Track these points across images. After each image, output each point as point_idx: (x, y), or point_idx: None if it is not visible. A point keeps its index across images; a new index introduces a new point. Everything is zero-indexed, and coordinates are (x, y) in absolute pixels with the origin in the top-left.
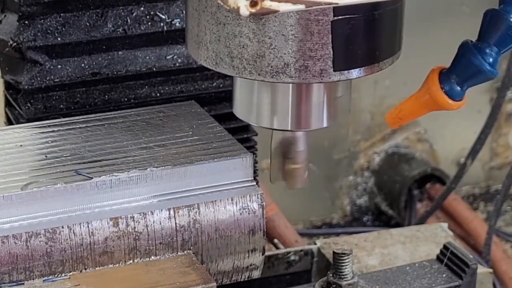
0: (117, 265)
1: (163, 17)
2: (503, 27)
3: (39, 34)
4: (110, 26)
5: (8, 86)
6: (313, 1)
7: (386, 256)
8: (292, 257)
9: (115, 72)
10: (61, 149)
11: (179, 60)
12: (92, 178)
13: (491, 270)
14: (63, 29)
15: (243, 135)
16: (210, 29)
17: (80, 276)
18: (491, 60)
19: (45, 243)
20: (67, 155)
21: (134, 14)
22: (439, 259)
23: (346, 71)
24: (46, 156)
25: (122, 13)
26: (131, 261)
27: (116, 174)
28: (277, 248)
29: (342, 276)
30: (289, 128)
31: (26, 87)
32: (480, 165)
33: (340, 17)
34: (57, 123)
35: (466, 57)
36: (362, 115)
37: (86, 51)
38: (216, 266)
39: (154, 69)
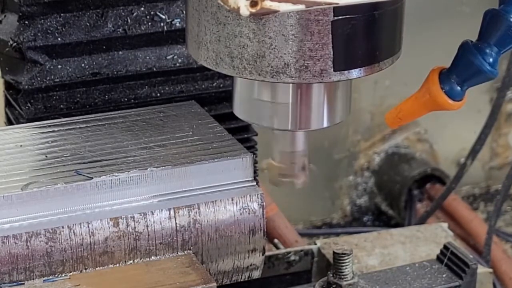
0: (117, 265)
1: (163, 17)
2: (503, 27)
3: (39, 34)
4: (110, 26)
5: (8, 86)
6: (313, 1)
7: (386, 256)
8: (292, 257)
9: (115, 72)
10: (61, 149)
11: (179, 60)
12: (92, 178)
13: (491, 270)
14: (63, 29)
15: (243, 135)
16: (210, 29)
17: (80, 276)
18: (491, 60)
19: (45, 243)
20: (67, 155)
21: (134, 14)
22: (439, 259)
23: (346, 71)
24: (46, 156)
25: (122, 13)
26: (131, 261)
27: (116, 174)
28: (277, 248)
29: (342, 276)
30: (289, 128)
31: (26, 87)
32: (480, 165)
33: (340, 17)
34: (57, 123)
35: (466, 57)
36: (362, 115)
37: (86, 51)
38: (216, 266)
39: (154, 69)
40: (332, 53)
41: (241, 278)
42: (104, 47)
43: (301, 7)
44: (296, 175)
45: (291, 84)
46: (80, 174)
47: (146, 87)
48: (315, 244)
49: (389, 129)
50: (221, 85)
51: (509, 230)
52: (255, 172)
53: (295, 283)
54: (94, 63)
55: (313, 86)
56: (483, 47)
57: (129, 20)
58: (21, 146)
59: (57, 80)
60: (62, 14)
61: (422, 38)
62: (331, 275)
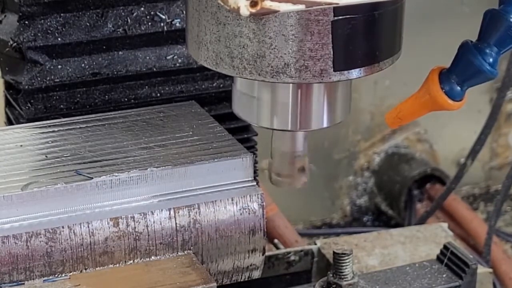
0: (117, 265)
1: (163, 17)
2: (503, 27)
3: (39, 34)
4: (110, 26)
5: (8, 86)
6: (313, 1)
7: (386, 256)
8: (292, 257)
9: (115, 72)
10: (61, 149)
11: (179, 60)
12: (92, 178)
13: (491, 270)
14: (63, 29)
15: (243, 135)
16: (210, 29)
17: (80, 276)
18: (491, 60)
19: (45, 243)
20: (67, 155)
21: (134, 14)
22: (439, 259)
23: (346, 71)
24: (46, 156)
25: (122, 13)
26: (131, 261)
27: (116, 174)
28: (277, 248)
29: (342, 276)
30: (289, 128)
31: (26, 87)
32: (480, 165)
33: (340, 17)
34: (57, 123)
35: (466, 57)
36: (362, 115)
37: (86, 51)
38: (216, 266)
39: (154, 69)
40: (332, 53)
41: (241, 278)
42: (104, 47)
43: (301, 7)
44: (296, 175)
45: (291, 84)
46: (80, 174)
47: (146, 87)
48: (315, 244)
49: (389, 129)
50: (221, 85)
51: (509, 230)
52: (255, 172)
53: (295, 283)
54: (94, 63)
55: (313, 86)
56: (483, 47)
57: (129, 20)
58: (21, 146)
59: (57, 80)
60: (62, 14)
61: (422, 38)
62: (331, 275)
